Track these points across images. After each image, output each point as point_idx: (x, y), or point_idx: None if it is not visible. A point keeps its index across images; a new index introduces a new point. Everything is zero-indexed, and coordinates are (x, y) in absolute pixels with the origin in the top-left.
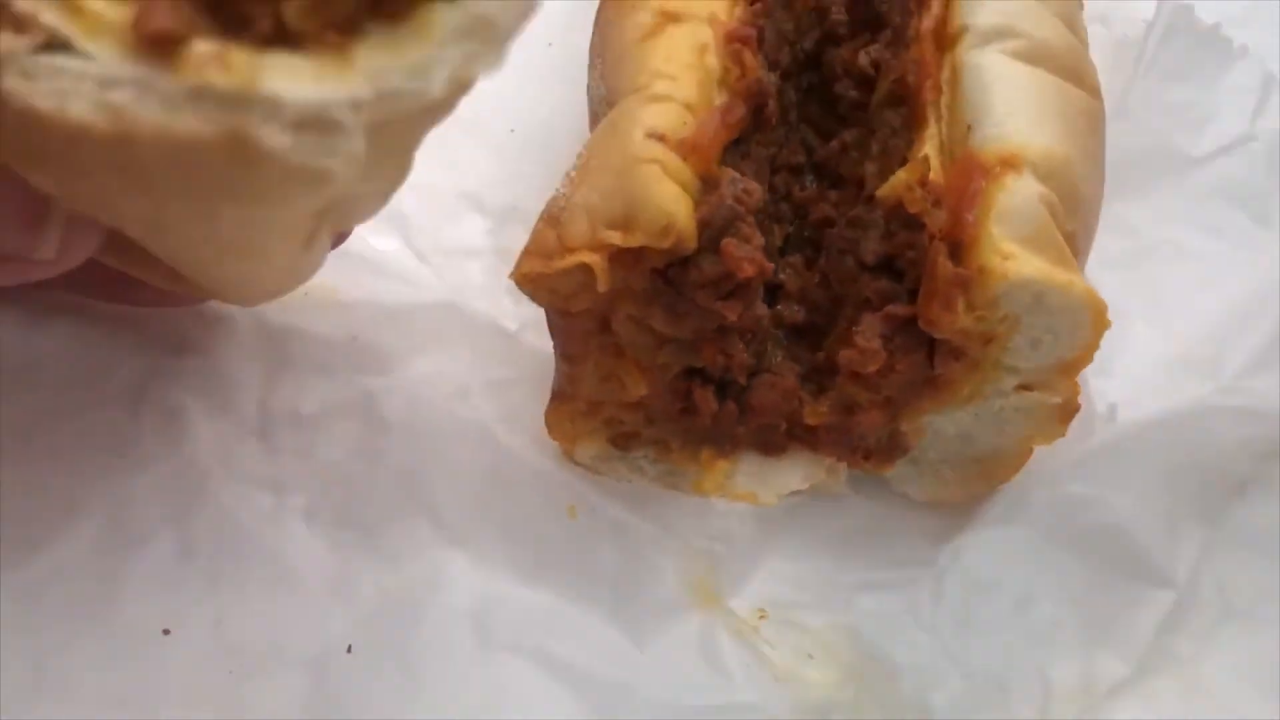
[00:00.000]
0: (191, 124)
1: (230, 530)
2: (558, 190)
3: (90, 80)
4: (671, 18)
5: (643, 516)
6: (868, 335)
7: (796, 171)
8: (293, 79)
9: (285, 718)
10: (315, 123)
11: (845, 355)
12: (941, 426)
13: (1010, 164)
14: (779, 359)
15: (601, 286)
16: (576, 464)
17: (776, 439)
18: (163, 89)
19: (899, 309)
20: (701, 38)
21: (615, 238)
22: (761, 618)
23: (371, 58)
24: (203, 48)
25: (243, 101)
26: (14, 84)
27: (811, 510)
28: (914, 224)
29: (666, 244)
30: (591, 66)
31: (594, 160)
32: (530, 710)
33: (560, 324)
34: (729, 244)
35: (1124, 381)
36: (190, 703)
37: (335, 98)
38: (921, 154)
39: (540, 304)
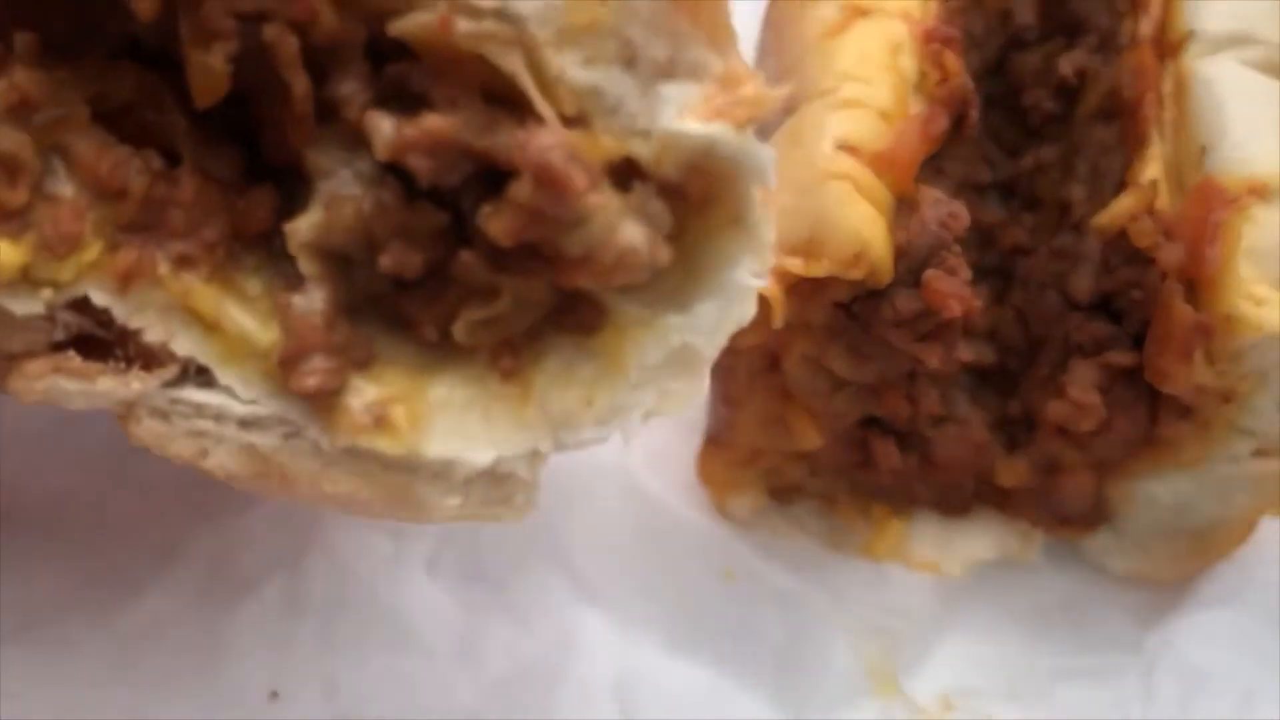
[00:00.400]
0: (346, 484)
1: (344, 579)
2: None
3: (232, 422)
4: (860, 12)
5: (810, 584)
6: (1083, 386)
7: (979, 190)
8: (462, 435)
9: None
10: (487, 477)
11: (1055, 408)
12: (1155, 493)
13: (1259, 193)
14: (962, 406)
15: (778, 321)
16: (728, 518)
17: (960, 499)
18: (314, 439)
19: (1119, 357)
20: (894, 35)
21: (797, 265)
22: (948, 709)
23: (553, 396)
24: (359, 401)
25: (406, 466)
26: (149, 427)
27: (997, 581)
28: (1140, 259)
29: (857, 274)
30: (760, 67)
31: None
32: None
33: (722, 361)
34: (933, 277)
35: None
36: None
37: (511, 453)
38: (1147, 178)
39: None
